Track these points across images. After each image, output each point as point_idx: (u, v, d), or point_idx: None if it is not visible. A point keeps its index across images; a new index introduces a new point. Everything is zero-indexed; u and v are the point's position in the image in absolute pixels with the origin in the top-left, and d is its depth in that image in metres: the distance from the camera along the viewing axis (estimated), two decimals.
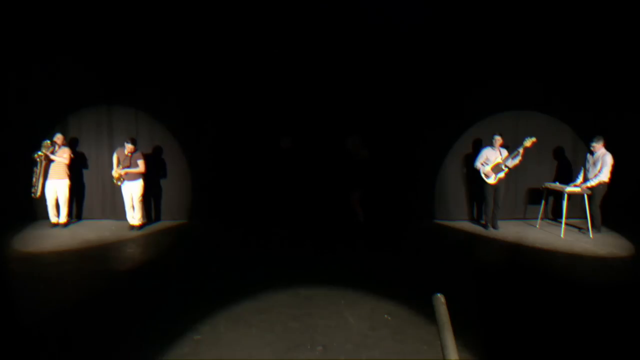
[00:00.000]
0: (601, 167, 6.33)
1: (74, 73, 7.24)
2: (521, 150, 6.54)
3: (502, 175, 6.67)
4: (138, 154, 6.68)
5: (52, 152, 6.69)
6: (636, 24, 6.96)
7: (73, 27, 7.08)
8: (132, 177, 6.60)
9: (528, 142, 6.48)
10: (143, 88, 7.30)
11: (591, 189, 6.38)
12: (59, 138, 6.79)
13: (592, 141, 6.51)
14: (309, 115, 7.23)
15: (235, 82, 7.29)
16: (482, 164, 6.75)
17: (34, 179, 6.68)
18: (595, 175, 6.37)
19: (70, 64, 7.22)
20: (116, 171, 6.56)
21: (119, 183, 6.64)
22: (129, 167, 6.56)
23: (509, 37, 7.11)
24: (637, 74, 7.19)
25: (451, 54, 7.17)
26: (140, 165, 6.62)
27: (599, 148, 6.44)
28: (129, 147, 6.55)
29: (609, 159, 6.32)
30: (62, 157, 6.74)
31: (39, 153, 6.60)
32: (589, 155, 6.64)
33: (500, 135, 6.70)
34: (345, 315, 3.75)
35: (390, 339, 3.33)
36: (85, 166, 7.53)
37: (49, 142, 6.68)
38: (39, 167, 6.66)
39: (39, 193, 6.74)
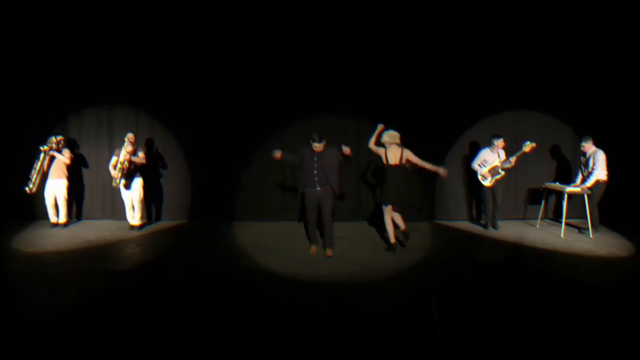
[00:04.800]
0: (593, 164, 6.34)
1: (75, 73, 7.24)
2: (516, 156, 6.51)
3: (498, 177, 6.65)
4: (141, 147, 6.68)
5: (58, 150, 6.69)
6: (636, 24, 6.96)
7: (74, 27, 7.08)
8: (132, 174, 6.58)
9: (527, 147, 6.42)
10: (143, 88, 7.30)
11: (591, 188, 6.38)
12: (60, 139, 6.78)
13: (581, 141, 6.53)
14: (308, 115, 7.22)
15: (237, 82, 7.28)
16: (480, 165, 6.73)
17: (32, 173, 6.65)
18: (590, 174, 6.37)
19: (71, 64, 7.22)
20: (117, 162, 6.43)
21: (118, 182, 6.54)
22: (130, 158, 6.49)
23: (510, 37, 7.11)
24: (637, 73, 7.19)
25: (451, 53, 7.17)
26: (141, 156, 6.54)
27: (589, 147, 6.45)
28: (131, 136, 6.50)
29: (601, 155, 6.33)
30: (64, 156, 6.75)
31: (45, 147, 6.60)
32: (582, 157, 6.65)
33: (502, 138, 6.64)
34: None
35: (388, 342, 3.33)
36: (86, 166, 7.53)
37: (54, 138, 6.67)
38: (40, 161, 6.63)
39: (35, 189, 6.68)
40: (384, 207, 5.63)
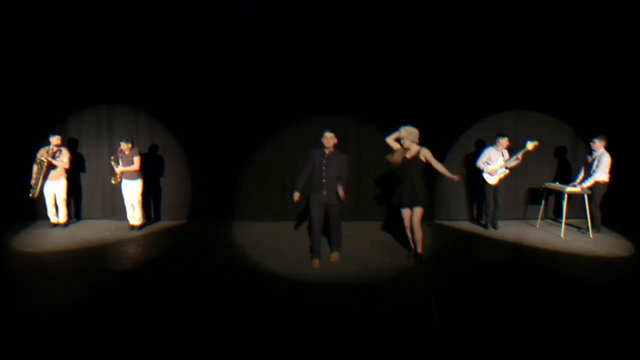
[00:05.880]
0: (597, 166, 6.33)
1: (74, 73, 7.25)
2: (522, 153, 6.53)
3: (502, 176, 6.67)
4: (135, 150, 6.68)
5: (54, 156, 6.68)
6: (636, 24, 6.96)
7: (73, 26, 7.07)
8: (131, 176, 6.60)
9: (530, 146, 6.43)
10: (143, 88, 7.30)
11: (591, 188, 6.38)
12: (57, 139, 6.76)
13: (594, 138, 6.46)
14: (308, 115, 7.22)
15: (238, 82, 7.28)
16: (485, 164, 6.73)
17: (32, 181, 6.68)
18: (590, 175, 6.38)
19: (71, 64, 7.22)
20: (116, 173, 6.58)
21: (118, 180, 6.61)
22: (125, 165, 6.57)
23: (510, 36, 7.10)
24: (637, 73, 7.19)
25: (451, 52, 7.16)
26: (135, 163, 6.59)
27: (599, 147, 6.42)
28: (125, 145, 6.55)
29: (606, 159, 6.32)
30: (62, 161, 6.74)
31: (42, 159, 6.60)
32: (588, 156, 6.64)
33: (506, 137, 6.66)
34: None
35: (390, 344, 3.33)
36: (85, 166, 7.53)
37: (50, 147, 6.68)
38: (39, 170, 6.66)
39: (37, 194, 6.73)
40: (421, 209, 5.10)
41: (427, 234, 6.64)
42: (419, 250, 5.19)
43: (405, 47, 7.15)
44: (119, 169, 6.56)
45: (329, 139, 5.04)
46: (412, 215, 5.13)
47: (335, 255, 5.27)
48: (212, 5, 7.02)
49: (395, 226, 6.85)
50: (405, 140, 5.06)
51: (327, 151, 5.08)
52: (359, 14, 7.02)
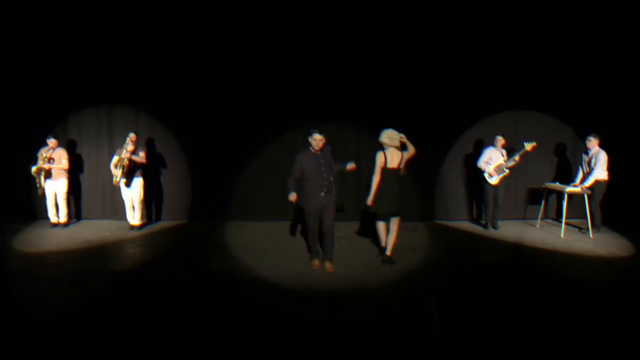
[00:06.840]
0: (594, 164, 6.34)
1: (74, 73, 7.25)
2: (519, 154, 6.56)
3: (503, 175, 6.69)
4: (141, 146, 6.67)
5: (50, 160, 6.66)
6: (636, 24, 6.96)
7: (73, 26, 7.07)
8: (132, 173, 6.56)
9: (528, 146, 6.49)
10: (143, 88, 7.30)
11: (591, 188, 6.38)
12: (52, 142, 6.71)
13: (588, 136, 6.48)
14: (308, 118, 7.22)
15: (238, 82, 7.28)
16: (485, 163, 6.74)
17: (37, 185, 6.68)
18: (589, 173, 6.38)
19: (70, 64, 7.22)
20: (117, 161, 6.44)
21: (118, 179, 6.52)
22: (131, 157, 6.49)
23: (509, 36, 7.11)
24: (637, 73, 7.19)
25: (451, 52, 7.17)
26: (142, 156, 6.58)
27: (594, 146, 6.44)
28: (133, 136, 6.49)
29: (602, 156, 6.33)
30: (60, 163, 6.73)
31: (35, 167, 6.59)
32: (583, 155, 6.65)
33: (503, 135, 6.72)
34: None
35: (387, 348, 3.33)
36: (85, 166, 7.53)
37: (43, 153, 6.66)
38: (39, 178, 6.66)
39: (41, 191, 6.76)
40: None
41: (428, 234, 6.68)
42: (389, 253, 5.17)
43: (405, 47, 7.15)
44: (126, 155, 6.41)
45: (319, 141, 4.82)
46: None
47: (328, 266, 4.93)
48: (211, 6, 7.02)
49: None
50: (390, 146, 4.92)
51: (318, 152, 4.87)
52: (360, 15, 7.02)
